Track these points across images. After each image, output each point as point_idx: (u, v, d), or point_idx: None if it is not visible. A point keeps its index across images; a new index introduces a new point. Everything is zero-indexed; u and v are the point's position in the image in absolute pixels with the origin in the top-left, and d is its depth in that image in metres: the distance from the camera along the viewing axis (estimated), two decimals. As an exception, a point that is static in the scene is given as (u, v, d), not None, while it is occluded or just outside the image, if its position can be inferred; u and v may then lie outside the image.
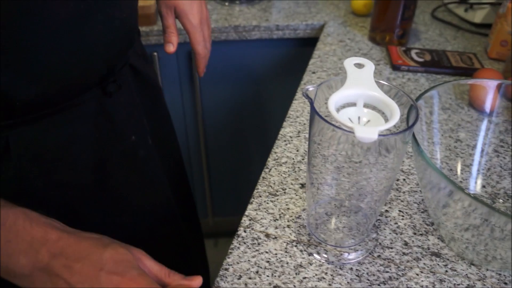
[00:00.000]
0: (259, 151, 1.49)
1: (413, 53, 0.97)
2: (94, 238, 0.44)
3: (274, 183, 0.63)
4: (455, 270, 0.53)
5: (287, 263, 0.52)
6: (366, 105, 0.44)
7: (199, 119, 1.37)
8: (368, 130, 0.37)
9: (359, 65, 0.45)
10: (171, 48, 0.73)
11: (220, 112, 1.38)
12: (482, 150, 0.67)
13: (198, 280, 0.45)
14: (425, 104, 0.59)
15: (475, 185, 0.65)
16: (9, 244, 0.41)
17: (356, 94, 0.42)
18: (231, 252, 0.53)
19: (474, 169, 0.66)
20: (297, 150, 0.69)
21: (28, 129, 0.51)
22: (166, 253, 0.72)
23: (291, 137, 0.72)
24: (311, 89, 0.43)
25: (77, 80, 0.52)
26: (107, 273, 0.40)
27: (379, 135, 0.37)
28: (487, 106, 0.65)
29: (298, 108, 0.80)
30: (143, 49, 0.76)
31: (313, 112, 0.42)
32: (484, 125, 0.67)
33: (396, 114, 0.39)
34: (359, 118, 0.42)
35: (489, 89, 0.63)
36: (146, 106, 0.67)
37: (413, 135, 0.49)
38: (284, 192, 0.61)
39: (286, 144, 0.70)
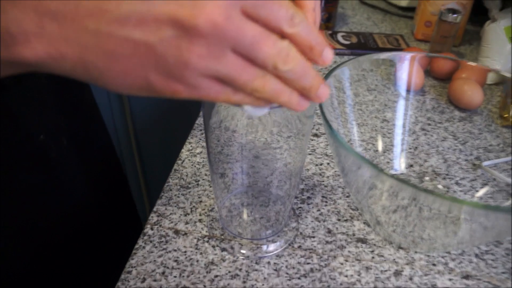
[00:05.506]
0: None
1: (339, 36, 0.93)
2: None
3: (186, 175, 0.57)
4: (382, 256, 0.49)
5: (197, 261, 0.47)
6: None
7: (128, 119, 1.29)
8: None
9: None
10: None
11: (149, 110, 1.31)
12: (409, 129, 0.64)
13: None
14: (336, 83, 0.55)
15: (403, 165, 0.62)
16: None
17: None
18: (135, 253, 0.47)
19: (401, 148, 0.63)
20: (218, 140, 0.64)
21: None
22: (94, 260, 0.66)
23: (207, 125, 0.66)
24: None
25: None
26: None
27: (271, 107, 0.32)
28: (408, 82, 0.62)
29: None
30: None
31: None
32: (411, 104, 0.64)
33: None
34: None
35: (404, 62, 0.60)
36: (64, 102, 0.59)
37: (325, 117, 0.45)
38: (197, 184, 0.56)
39: (202, 134, 0.64)
